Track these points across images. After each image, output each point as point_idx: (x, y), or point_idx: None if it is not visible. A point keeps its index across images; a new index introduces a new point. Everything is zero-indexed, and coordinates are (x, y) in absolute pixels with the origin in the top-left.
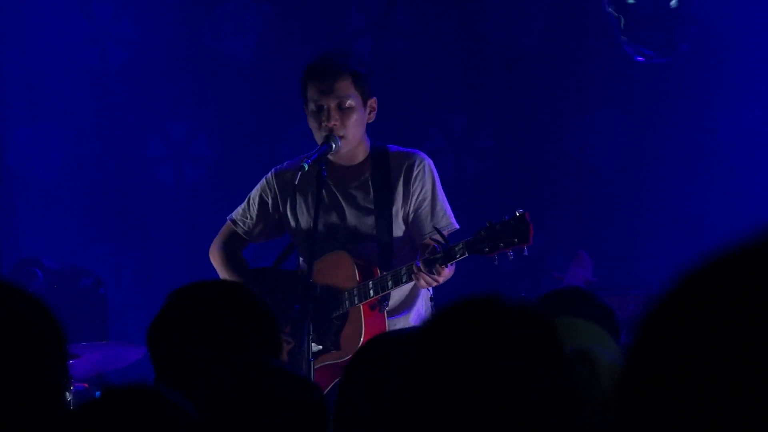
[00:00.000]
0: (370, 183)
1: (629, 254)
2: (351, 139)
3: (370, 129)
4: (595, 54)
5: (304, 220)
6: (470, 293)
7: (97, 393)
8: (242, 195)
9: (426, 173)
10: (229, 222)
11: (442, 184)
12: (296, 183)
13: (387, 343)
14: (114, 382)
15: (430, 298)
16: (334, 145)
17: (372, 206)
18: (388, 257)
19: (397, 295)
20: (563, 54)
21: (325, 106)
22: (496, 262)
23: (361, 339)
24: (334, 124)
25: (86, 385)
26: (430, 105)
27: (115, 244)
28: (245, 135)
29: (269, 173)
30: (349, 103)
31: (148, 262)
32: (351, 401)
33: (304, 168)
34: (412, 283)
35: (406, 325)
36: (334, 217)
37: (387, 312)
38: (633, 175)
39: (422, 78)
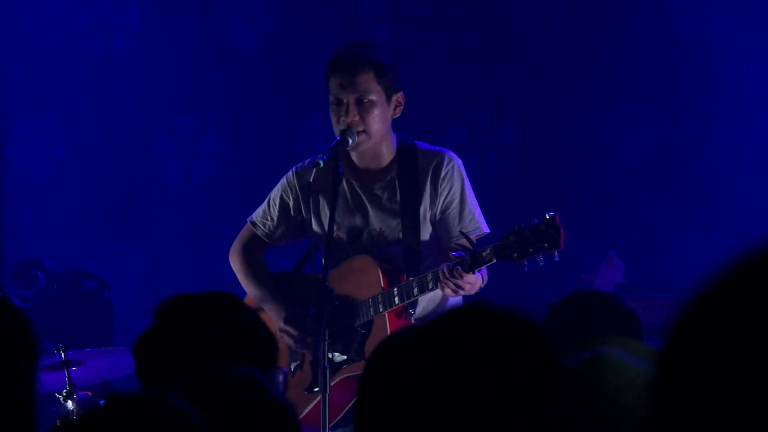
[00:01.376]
0: (396, 183)
1: (662, 255)
2: (372, 135)
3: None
4: (624, 44)
5: (327, 222)
6: (465, 303)
7: (101, 401)
8: (253, 193)
9: (455, 174)
10: (248, 224)
11: None
12: (311, 181)
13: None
14: (119, 390)
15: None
16: (350, 140)
17: (398, 208)
18: (415, 262)
19: (425, 302)
20: (591, 44)
21: (345, 100)
22: (526, 269)
23: None
24: (353, 120)
25: (89, 393)
26: (451, 98)
27: (120, 244)
28: (256, 130)
29: (290, 172)
30: (369, 98)
31: (155, 264)
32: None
33: (319, 164)
34: (439, 291)
35: None
36: (357, 219)
37: (415, 320)
38: (665, 171)
39: (442, 69)
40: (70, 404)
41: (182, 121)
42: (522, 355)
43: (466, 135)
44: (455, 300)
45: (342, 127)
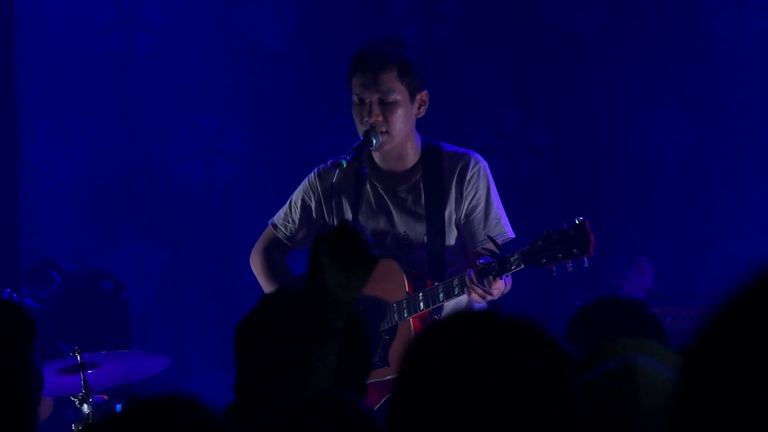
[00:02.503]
0: (421, 186)
1: (693, 261)
2: (395, 135)
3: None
4: (657, 43)
5: None
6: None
7: (118, 406)
8: (277, 193)
9: (481, 176)
10: (270, 227)
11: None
12: (333, 182)
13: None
14: (136, 394)
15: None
16: (374, 141)
17: (423, 211)
18: (440, 267)
19: (451, 307)
20: (623, 43)
21: (367, 100)
22: (554, 274)
23: None
24: (376, 120)
25: (106, 397)
26: (480, 98)
27: (139, 245)
28: (281, 129)
29: (312, 174)
30: (392, 97)
31: (175, 266)
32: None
33: (342, 165)
34: (465, 296)
35: None
36: (382, 223)
37: None
38: (699, 175)
39: (471, 69)
40: (85, 408)
41: (205, 120)
42: (529, 367)
43: (495, 136)
44: (480, 305)
45: (365, 128)
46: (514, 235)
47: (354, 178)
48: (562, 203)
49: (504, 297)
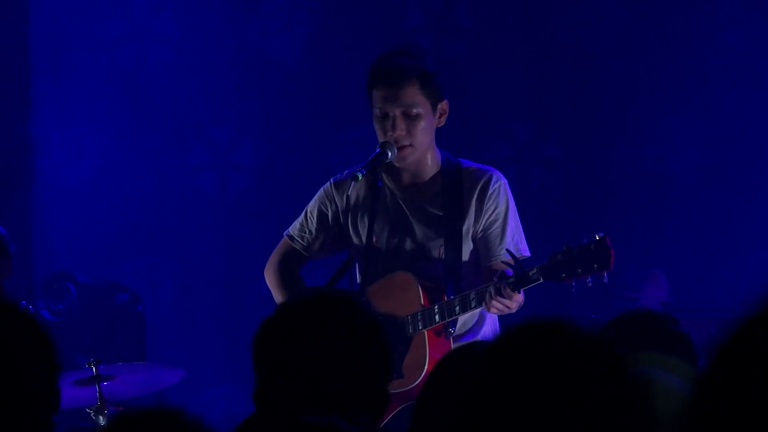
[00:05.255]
0: (440, 198)
1: (709, 273)
2: (418, 147)
3: None
4: (671, 56)
5: (366, 235)
6: (536, 316)
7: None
8: (288, 205)
9: (501, 193)
10: (285, 238)
11: None
12: (348, 194)
13: (460, 360)
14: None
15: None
16: (390, 153)
17: (442, 224)
18: (456, 280)
19: (463, 318)
20: (637, 56)
21: (391, 114)
22: (573, 289)
23: (425, 367)
24: (399, 135)
25: (121, 408)
26: (493, 111)
27: (153, 257)
28: (292, 141)
29: (328, 183)
30: (416, 111)
31: (188, 277)
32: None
33: (358, 177)
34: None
35: None
36: (400, 234)
37: (453, 338)
38: (713, 187)
39: (484, 81)
40: (101, 419)
41: (216, 132)
42: (603, 379)
43: (510, 149)
44: (491, 318)
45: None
46: (529, 254)
47: (370, 190)
48: (575, 215)
49: (518, 312)
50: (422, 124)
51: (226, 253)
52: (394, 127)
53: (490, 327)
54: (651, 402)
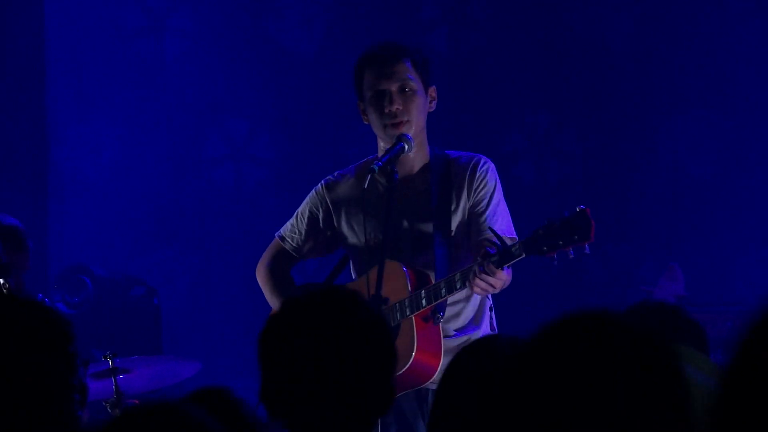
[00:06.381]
0: (431, 189)
1: (725, 267)
2: (414, 123)
3: (441, 130)
4: (688, 50)
5: (362, 232)
6: (574, 310)
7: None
8: (305, 198)
9: (489, 175)
10: (277, 238)
11: (523, 188)
12: (365, 187)
13: (486, 351)
14: (167, 398)
15: (490, 307)
16: (406, 146)
17: (433, 214)
18: (449, 266)
19: (466, 312)
20: (654, 49)
21: (387, 90)
22: (555, 263)
23: (413, 353)
24: (397, 108)
25: (137, 401)
26: (510, 104)
27: (170, 250)
28: (310, 134)
29: (319, 185)
30: (411, 85)
31: (205, 271)
32: (449, 408)
33: (374, 170)
34: (479, 298)
35: None
36: (395, 227)
37: (455, 330)
38: (730, 181)
39: (501, 74)
40: (117, 413)
41: (234, 125)
42: (656, 374)
43: (526, 141)
44: (488, 311)
45: (387, 120)
46: (515, 236)
47: (385, 183)
48: (592, 209)
49: (533, 301)
50: (417, 100)
51: (243, 246)
52: (391, 102)
53: (487, 321)
54: (693, 405)
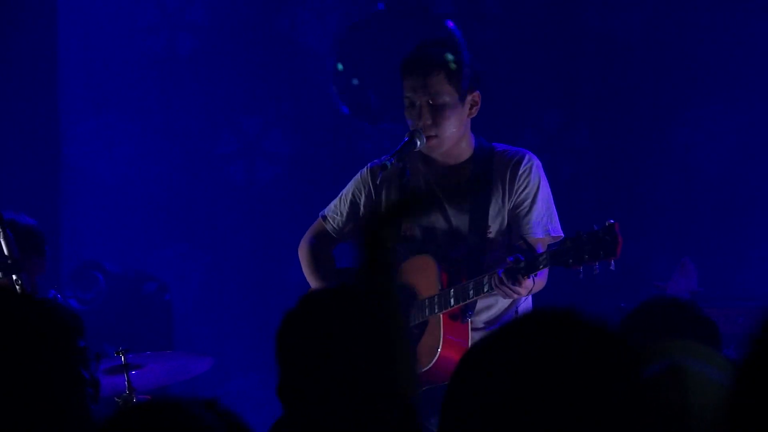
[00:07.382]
0: (471, 182)
1: (739, 262)
2: (444, 138)
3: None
4: (701, 44)
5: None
6: (546, 306)
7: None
8: (318, 194)
9: (533, 173)
10: (320, 218)
11: None
12: (377, 182)
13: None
14: (179, 395)
15: (515, 310)
16: (418, 142)
17: (471, 207)
18: (479, 263)
19: (498, 305)
20: (667, 44)
21: (417, 103)
22: (581, 276)
23: (439, 350)
24: (425, 124)
25: (149, 397)
26: (522, 100)
27: (182, 246)
28: (323, 130)
29: (364, 169)
30: (442, 100)
31: (217, 267)
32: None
33: (387, 166)
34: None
35: None
36: (432, 217)
37: (485, 323)
38: (743, 176)
39: (514, 71)
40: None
41: (247, 121)
42: (612, 369)
43: (539, 138)
44: (525, 307)
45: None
46: (562, 234)
47: (398, 180)
48: (605, 205)
49: (544, 297)
50: (448, 113)
51: (255, 242)
52: (420, 116)
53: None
54: (685, 393)
